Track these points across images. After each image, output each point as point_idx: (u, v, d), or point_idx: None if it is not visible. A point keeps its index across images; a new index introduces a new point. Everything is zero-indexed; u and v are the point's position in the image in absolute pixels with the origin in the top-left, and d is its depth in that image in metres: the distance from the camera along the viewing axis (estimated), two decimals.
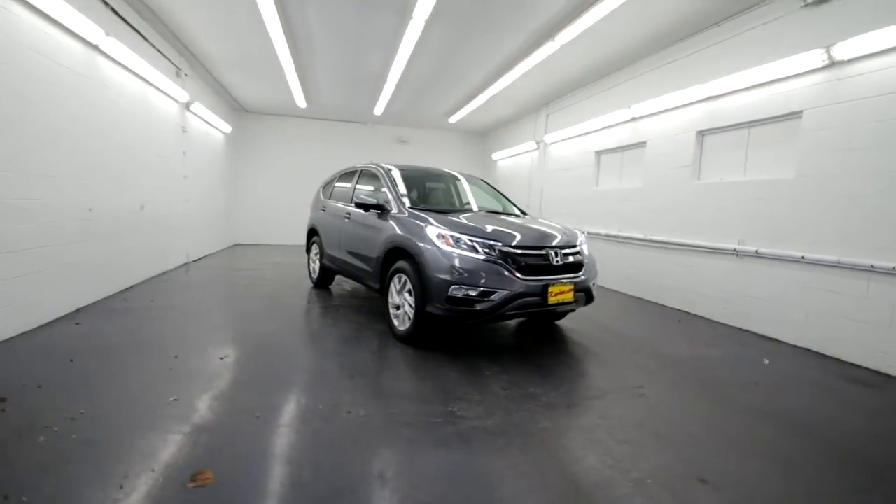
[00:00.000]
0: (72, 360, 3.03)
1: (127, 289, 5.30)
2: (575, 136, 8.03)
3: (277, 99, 9.54)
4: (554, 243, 3.65)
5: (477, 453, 2.17)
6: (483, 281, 3.26)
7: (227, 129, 9.56)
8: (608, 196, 7.11)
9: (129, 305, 4.59)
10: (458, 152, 12.57)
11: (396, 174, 4.64)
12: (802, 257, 4.16)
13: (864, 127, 3.75)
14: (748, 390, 3.18)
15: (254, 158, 11.23)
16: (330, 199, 5.79)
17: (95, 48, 4.43)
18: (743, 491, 1.97)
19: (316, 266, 6.05)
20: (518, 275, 3.34)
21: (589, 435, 2.42)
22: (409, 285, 3.63)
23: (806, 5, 4.13)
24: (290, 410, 2.56)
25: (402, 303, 3.76)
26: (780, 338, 4.40)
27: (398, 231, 3.92)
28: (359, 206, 4.41)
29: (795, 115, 4.32)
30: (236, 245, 10.97)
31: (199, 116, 7.85)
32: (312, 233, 6.20)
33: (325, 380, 2.99)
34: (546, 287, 3.37)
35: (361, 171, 5.26)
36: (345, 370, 3.15)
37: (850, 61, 3.83)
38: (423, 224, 3.68)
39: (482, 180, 5.53)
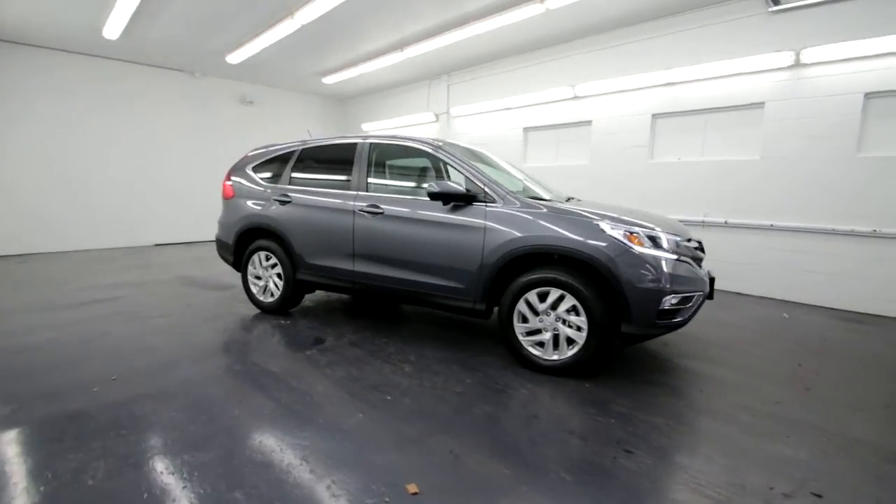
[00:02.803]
0: None
1: None
2: (495, 111, 7.74)
3: (65, 21, 5.91)
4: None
5: None
6: (688, 285, 2.75)
7: None
8: (546, 173, 7.15)
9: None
10: (314, 119, 10.62)
11: (481, 153, 3.54)
12: (771, 225, 5.08)
13: (824, 120, 4.72)
14: (837, 345, 3.72)
15: (3, 115, 6.81)
16: (302, 186, 3.97)
17: None
18: None
19: (270, 283, 4.11)
20: (701, 272, 2.95)
21: None
22: (568, 303, 2.78)
23: (772, 10, 4.86)
24: None
25: (549, 325, 2.87)
26: (745, 292, 5.34)
27: (521, 233, 2.91)
28: (434, 196, 3.11)
29: (757, 105, 5.13)
30: None
31: None
32: (254, 235, 4.19)
33: (612, 475, 1.99)
34: (713, 280, 3.10)
35: (371, 147, 3.73)
36: (608, 445, 2.17)
37: (814, 64, 4.72)
38: (582, 219, 2.82)
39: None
